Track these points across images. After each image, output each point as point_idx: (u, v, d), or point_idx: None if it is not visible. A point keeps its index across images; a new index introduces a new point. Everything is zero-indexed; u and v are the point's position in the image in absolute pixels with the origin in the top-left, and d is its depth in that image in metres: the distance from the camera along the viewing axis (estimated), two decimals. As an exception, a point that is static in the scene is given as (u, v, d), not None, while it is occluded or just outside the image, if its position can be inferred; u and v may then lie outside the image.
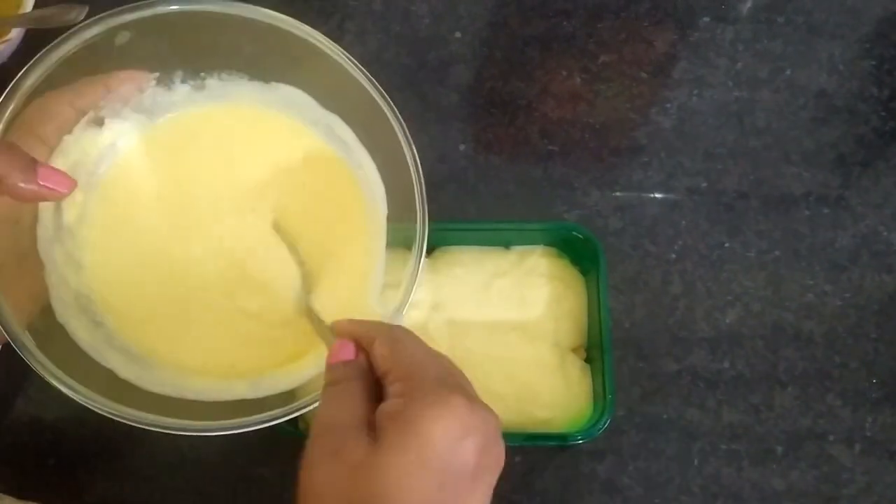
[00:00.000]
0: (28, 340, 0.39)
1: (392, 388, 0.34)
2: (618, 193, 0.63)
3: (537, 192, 0.63)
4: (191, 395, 0.43)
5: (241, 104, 0.48)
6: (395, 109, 0.45)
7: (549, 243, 0.58)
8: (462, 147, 0.64)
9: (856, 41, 0.69)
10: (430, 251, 0.58)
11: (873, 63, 0.68)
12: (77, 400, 0.39)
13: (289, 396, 0.43)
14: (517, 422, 0.53)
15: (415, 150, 0.45)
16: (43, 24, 0.58)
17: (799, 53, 0.68)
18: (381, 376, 0.35)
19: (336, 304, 0.45)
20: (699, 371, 0.58)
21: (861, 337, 0.59)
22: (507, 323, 0.55)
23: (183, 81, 0.48)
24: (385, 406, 0.33)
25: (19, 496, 0.50)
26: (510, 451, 0.55)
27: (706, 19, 0.69)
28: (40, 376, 0.56)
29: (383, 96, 0.45)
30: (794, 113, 0.66)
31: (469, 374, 0.53)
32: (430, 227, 0.56)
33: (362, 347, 0.36)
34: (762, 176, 0.64)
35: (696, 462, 0.56)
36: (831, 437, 0.57)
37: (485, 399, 0.53)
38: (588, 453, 0.55)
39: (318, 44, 0.45)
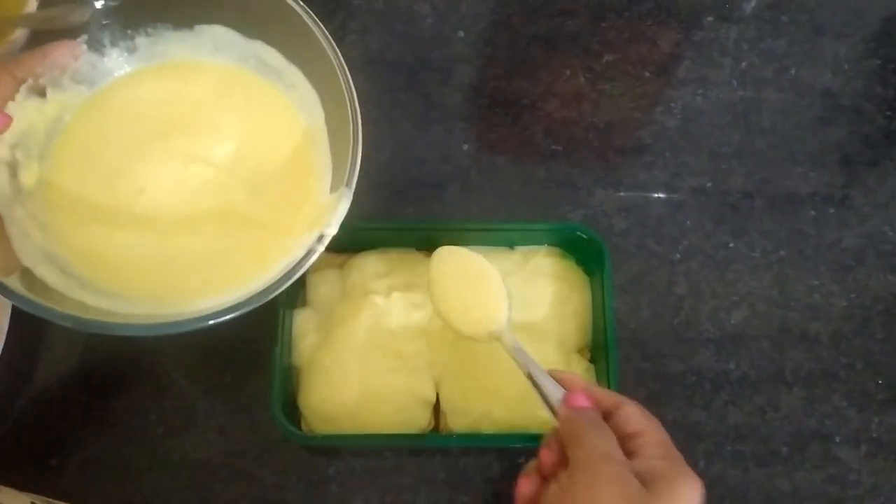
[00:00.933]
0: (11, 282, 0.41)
1: (649, 450, 0.40)
2: (622, 193, 0.63)
3: (541, 192, 0.63)
4: (165, 312, 0.45)
5: (173, 60, 0.52)
6: (311, 13, 0.47)
7: (553, 243, 0.58)
8: (465, 147, 0.64)
9: (860, 40, 0.68)
10: (433, 251, 0.58)
11: (878, 62, 0.68)
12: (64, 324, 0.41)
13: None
14: (521, 422, 0.53)
15: (336, 49, 0.47)
16: (47, 25, 0.58)
17: (804, 53, 0.68)
18: (629, 434, 0.41)
19: (286, 202, 0.49)
20: (704, 372, 0.58)
21: (867, 337, 0.59)
22: (512, 323, 0.55)
23: (113, 44, 0.50)
24: (651, 463, 0.39)
25: (21, 497, 0.50)
26: (514, 452, 0.55)
27: (710, 19, 0.69)
28: (40, 373, 0.56)
29: (297, 2, 0.47)
30: (800, 112, 0.66)
31: (472, 375, 0.54)
32: (434, 227, 0.57)
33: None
34: (767, 176, 0.64)
35: (701, 463, 0.56)
36: (837, 439, 0.57)
37: (488, 399, 0.53)
38: (593, 454, 0.55)
39: None
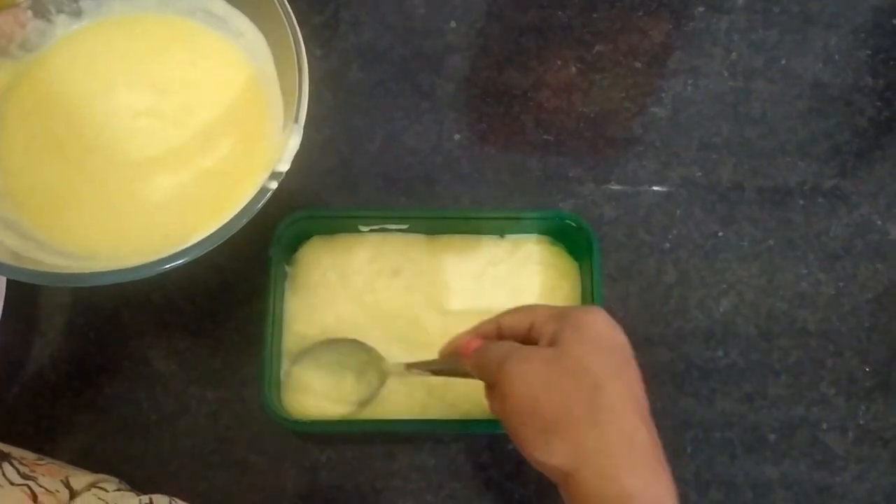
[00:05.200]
0: None
1: (547, 326, 0.42)
2: (612, 183, 0.63)
3: (532, 181, 0.63)
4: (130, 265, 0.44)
5: (116, 16, 0.52)
6: None
7: (543, 232, 0.58)
8: (457, 137, 0.64)
9: (851, 31, 0.69)
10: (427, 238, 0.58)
11: (868, 53, 0.68)
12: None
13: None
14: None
15: None
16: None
17: (794, 43, 0.68)
18: (528, 330, 0.44)
19: (243, 148, 0.50)
20: (693, 360, 0.58)
21: (854, 326, 0.60)
22: (501, 311, 0.55)
23: (59, 10, 0.50)
24: (548, 327, 0.42)
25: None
26: (503, 439, 0.56)
27: (701, 9, 0.69)
28: (33, 361, 0.56)
29: None
30: (790, 103, 0.66)
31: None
32: (425, 216, 0.57)
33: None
34: (757, 166, 0.64)
35: (689, 450, 0.56)
36: (824, 426, 0.57)
37: (478, 387, 0.54)
38: (582, 441, 0.55)
39: None
